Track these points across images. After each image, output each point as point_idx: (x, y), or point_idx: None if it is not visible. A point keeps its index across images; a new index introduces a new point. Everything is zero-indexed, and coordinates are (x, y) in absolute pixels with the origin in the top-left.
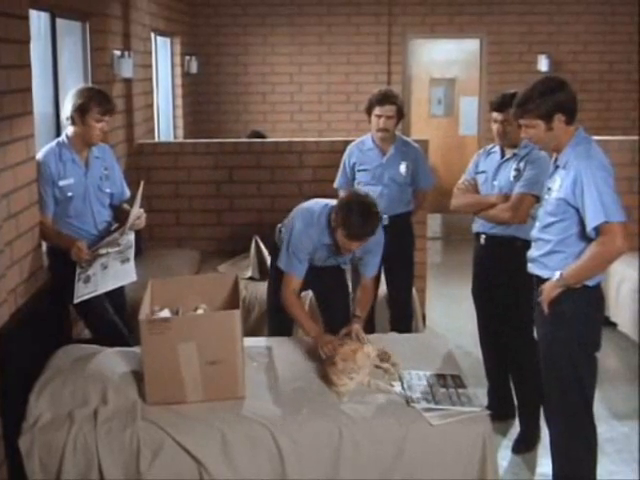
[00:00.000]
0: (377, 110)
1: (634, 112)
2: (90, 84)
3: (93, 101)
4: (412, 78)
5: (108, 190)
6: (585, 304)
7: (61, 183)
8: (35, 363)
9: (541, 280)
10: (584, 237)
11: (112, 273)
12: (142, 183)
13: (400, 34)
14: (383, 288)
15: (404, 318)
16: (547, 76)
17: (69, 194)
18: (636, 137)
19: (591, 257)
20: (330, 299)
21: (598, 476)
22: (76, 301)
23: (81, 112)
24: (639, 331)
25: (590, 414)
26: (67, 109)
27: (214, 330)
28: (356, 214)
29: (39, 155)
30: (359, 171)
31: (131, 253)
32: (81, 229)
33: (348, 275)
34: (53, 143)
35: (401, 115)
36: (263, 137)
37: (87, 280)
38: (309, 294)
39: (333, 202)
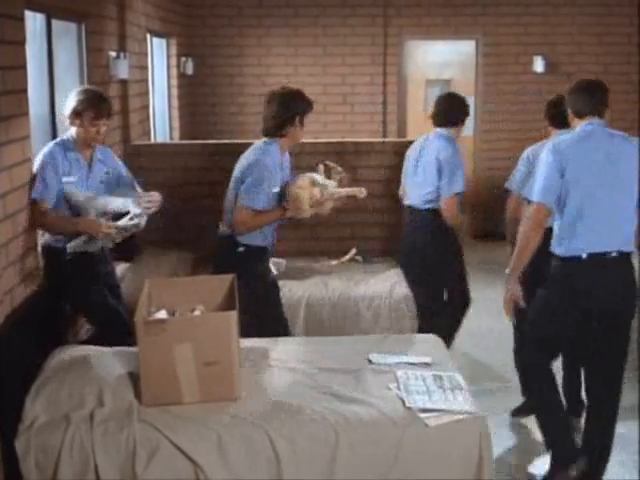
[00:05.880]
0: None
1: (632, 113)
2: (87, 86)
3: (87, 105)
4: (408, 79)
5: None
6: (554, 270)
7: (64, 179)
8: (31, 364)
9: None
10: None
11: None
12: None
13: (396, 35)
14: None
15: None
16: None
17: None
18: (636, 138)
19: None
20: None
21: None
22: (69, 250)
23: (76, 115)
24: (638, 331)
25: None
26: (67, 110)
27: (210, 331)
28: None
29: (44, 148)
30: None
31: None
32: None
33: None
34: (57, 140)
35: None
36: None
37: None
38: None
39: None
